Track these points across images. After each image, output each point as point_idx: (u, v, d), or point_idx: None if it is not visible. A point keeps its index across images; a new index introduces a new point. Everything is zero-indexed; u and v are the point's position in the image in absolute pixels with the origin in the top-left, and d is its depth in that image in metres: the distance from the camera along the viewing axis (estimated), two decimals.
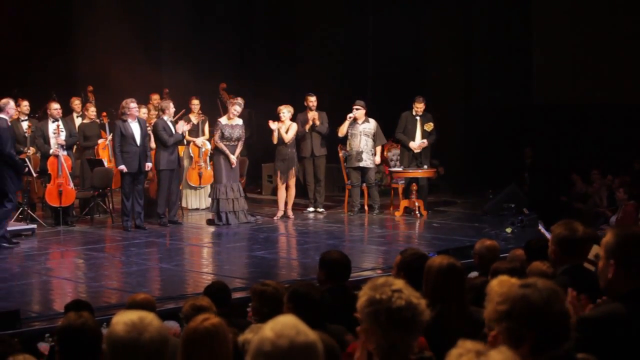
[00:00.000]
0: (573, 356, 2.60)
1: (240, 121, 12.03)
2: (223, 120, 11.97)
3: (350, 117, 12.59)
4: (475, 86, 15.07)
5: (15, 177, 10.30)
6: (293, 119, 12.49)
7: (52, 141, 11.90)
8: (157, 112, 12.93)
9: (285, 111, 12.29)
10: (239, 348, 3.59)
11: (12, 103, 10.46)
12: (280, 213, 12.44)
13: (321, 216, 12.68)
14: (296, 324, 2.22)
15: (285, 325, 2.20)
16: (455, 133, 14.87)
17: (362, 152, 12.60)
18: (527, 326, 2.51)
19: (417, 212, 12.35)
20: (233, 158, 11.77)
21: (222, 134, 11.83)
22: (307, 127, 12.65)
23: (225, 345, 3.12)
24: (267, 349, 2.15)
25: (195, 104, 13.23)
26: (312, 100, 12.74)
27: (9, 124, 10.36)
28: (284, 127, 12.27)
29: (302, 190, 13.18)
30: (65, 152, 11.92)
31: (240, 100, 12.12)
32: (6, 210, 10.27)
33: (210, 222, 11.94)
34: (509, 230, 10.71)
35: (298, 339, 2.17)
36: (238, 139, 11.90)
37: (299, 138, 12.67)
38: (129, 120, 11.35)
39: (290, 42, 16.67)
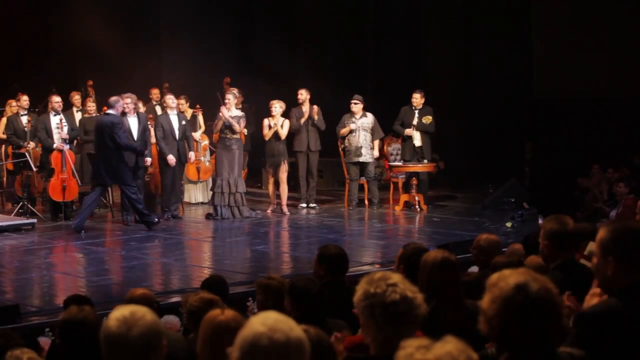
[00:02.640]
0: (556, 351, 2.61)
1: (237, 112, 11.98)
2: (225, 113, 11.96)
3: (352, 129, 12.54)
4: (475, 80, 15.05)
5: (126, 167, 10.91)
6: (286, 113, 12.46)
7: (56, 136, 11.90)
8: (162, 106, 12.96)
9: (277, 106, 12.22)
10: None
11: (121, 101, 11.04)
12: (272, 207, 12.42)
13: (314, 211, 12.65)
14: (287, 320, 2.24)
15: (277, 320, 2.21)
16: (455, 127, 14.86)
17: (361, 147, 12.59)
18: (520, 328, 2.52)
19: (417, 206, 12.35)
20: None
21: (223, 124, 11.81)
22: (302, 120, 12.61)
23: None
24: (264, 344, 2.17)
25: (182, 103, 13.10)
26: (301, 93, 12.70)
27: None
28: (278, 122, 12.24)
29: (295, 185, 13.16)
30: (68, 147, 11.94)
31: (235, 90, 12.12)
32: (133, 198, 10.87)
33: (209, 215, 11.94)
34: (509, 224, 10.72)
35: (292, 334, 2.19)
36: (234, 131, 11.77)
37: (294, 132, 12.65)
38: (128, 115, 11.36)
39: (290, 36, 16.66)
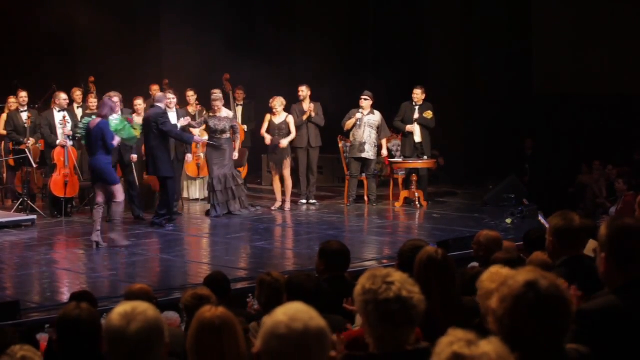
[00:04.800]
0: (563, 347, 2.60)
1: (227, 113, 11.94)
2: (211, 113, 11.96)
3: (358, 118, 12.49)
4: (476, 77, 15.04)
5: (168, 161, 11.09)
6: (288, 109, 12.45)
7: (59, 132, 11.92)
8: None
9: (277, 104, 12.23)
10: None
11: (169, 95, 11.30)
12: (277, 204, 12.42)
13: (313, 208, 12.63)
14: (309, 310, 2.27)
15: (298, 310, 2.26)
16: (455, 124, 14.85)
17: (365, 143, 12.55)
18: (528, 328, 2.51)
19: (417, 202, 12.34)
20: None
21: (208, 126, 11.81)
22: (305, 117, 12.60)
23: (235, 335, 3.13)
24: (281, 332, 2.20)
25: (191, 95, 13.19)
26: (302, 90, 12.71)
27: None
28: (279, 119, 12.22)
29: (295, 181, 13.15)
30: (71, 143, 11.95)
31: (217, 91, 12.02)
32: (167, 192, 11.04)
33: (207, 213, 11.94)
34: (509, 221, 10.72)
35: (311, 323, 2.22)
36: (223, 131, 11.72)
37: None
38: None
39: (290, 32, 16.64)
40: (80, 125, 10.52)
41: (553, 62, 14.20)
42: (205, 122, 11.88)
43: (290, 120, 12.34)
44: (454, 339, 2.18)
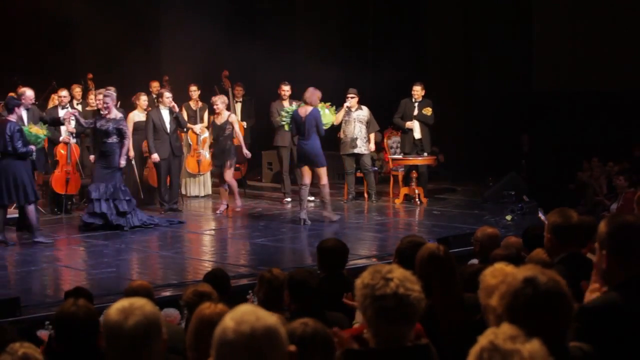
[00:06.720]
0: (565, 345, 2.59)
1: (117, 115, 10.57)
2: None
3: (347, 107, 12.51)
4: (476, 74, 15.04)
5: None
6: (265, 108, 12.36)
7: (63, 128, 11.91)
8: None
9: (219, 102, 11.74)
10: None
11: (28, 93, 10.62)
12: (222, 207, 11.79)
13: (312, 205, 12.59)
14: (255, 310, 2.26)
15: (244, 313, 2.24)
16: (455, 120, 14.84)
17: (356, 138, 12.55)
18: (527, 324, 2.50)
19: (417, 199, 12.34)
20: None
21: (95, 127, 10.64)
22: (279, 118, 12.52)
23: None
24: (230, 337, 2.19)
25: (194, 90, 13.22)
26: (285, 90, 12.67)
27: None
28: (221, 119, 11.67)
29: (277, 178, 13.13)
30: (74, 140, 11.95)
31: (109, 90, 10.86)
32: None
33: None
34: (508, 217, 10.72)
35: (258, 324, 2.20)
36: (107, 134, 10.38)
37: (275, 127, 12.60)
38: (101, 111, 11.00)
39: (291, 28, 16.63)
40: (284, 113, 11.66)
41: (552, 58, 14.18)
42: (94, 123, 10.63)
43: (233, 119, 11.85)
44: (499, 331, 2.17)
